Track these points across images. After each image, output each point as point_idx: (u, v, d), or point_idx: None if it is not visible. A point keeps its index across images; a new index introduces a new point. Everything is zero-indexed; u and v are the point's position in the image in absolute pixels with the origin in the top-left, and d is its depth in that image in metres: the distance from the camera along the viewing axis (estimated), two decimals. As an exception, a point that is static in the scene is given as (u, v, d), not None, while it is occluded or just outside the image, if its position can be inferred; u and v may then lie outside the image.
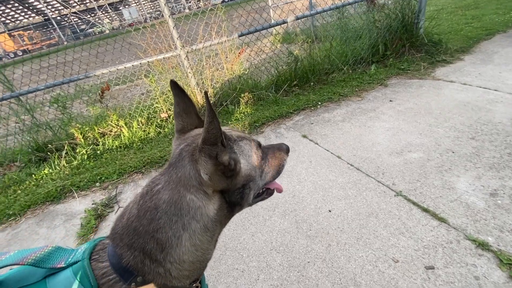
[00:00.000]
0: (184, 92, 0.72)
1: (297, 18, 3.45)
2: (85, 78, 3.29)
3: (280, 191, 0.85)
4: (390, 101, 2.84)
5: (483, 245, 1.29)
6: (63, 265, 0.60)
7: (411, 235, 1.41)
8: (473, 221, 1.41)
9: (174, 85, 0.71)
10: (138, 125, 3.38)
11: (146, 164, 2.57)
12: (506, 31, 4.14)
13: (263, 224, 1.67)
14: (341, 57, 3.77)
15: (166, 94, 3.53)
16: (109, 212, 2.05)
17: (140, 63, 3.20)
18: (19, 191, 2.59)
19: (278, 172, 0.79)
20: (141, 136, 3.22)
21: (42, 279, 0.59)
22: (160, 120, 3.46)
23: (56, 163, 2.93)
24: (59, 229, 2.00)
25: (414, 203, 1.59)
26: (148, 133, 3.28)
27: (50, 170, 2.83)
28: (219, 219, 0.65)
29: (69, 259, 0.61)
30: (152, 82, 3.46)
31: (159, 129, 3.32)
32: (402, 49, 3.75)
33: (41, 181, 2.69)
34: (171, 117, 3.47)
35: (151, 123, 3.41)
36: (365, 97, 3.05)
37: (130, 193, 2.24)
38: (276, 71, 3.66)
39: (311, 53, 3.68)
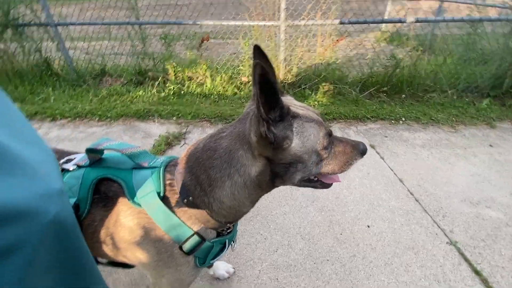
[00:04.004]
0: (267, 58, 0.69)
1: (417, 21, 3.07)
2: (193, 24, 3.64)
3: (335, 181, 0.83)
4: (490, 145, 2.41)
5: None
6: (146, 166, 0.77)
7: (447, 287, 1.28)
8: (533, 311, 1.20)
9: (258, 50, 0.69)
10: (221, 80, 3.65)
11: (216, 116, 2.82)
12: None
13: (297, 209, 1.72)
14: (451, 78, 3.27)
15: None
16: (176, 143, 2.38)
17: (243, 23, 3.36)
18: (118, 102, 3.16)
19: (341, 169, 0.76)
20: (219, 91, 3.49)
21: (130, 169, 0.77)
22: (240, 83, 3.66)
23: (149, 89, 3.43)
24: (137, 142, 2.42)
25: (466, 260, 1.41)
26: (226, 90, 3.52)
27: (143, 93, 3.34)
28: (259, 183, 0.70)
29: (151, 163, 0.78)
30: (246, 45, 3.62)
31: (236, 90, 3.54)
32: (537, 91, 3.03)
33: (135, 99, 3.22)
34: (250, 83, 3.63)
35: (231, 83, 3.64)
36: (460, 131, 2.65)
37: (196, 135, 2.53)
38: (369, 70, 3.42)
39: (416, 63, 3.29)
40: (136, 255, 0.75)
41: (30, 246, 0.43)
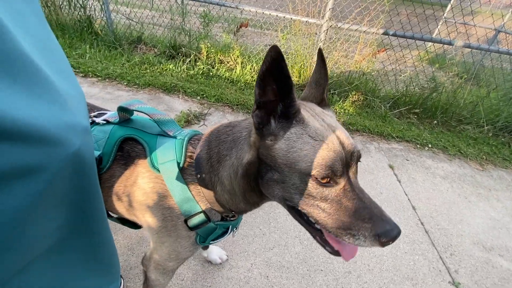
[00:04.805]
0: (324, 64, 0.71)
1: (467, 46, 2.88)
2: (234, 8, 3.60)
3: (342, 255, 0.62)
4: (518, 192, 2.26)
5: None
6: (171, 135, 0.78)
7: (440, 328, 1.23)
8: None
9: (320, 54, 0.71)
10: (250, 69, 3.62)
11: (239, 103, 2.81)
12: None
13: (302, 213, 1.70)
14: (491, 113, 3.07)
15: (287, 54, 3.60)
16: (195, 123, 2.39)
17: (285, 16, 3.30)
18: (148, 71, 3.22)
19: (336, 230, 0.56)
20: (247, 80, 3.46)
21: (155, 135, 0.78)
22: (269, 75, 3.61)
23: (179, 64, 3.46)
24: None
25: (466, 305, 1.35)
26: (254, 80, 3.49)
27: (173, 67, 3.38)
28: (246, 173, 0.64)
29: (176, 133, 0.79)
30: (283, 38, 3.56)
31: (264, 82, 3.49)
32: None
33: (164, 72, 3.26)
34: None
35: (261, 73, 3.60)
36: (488, 171, 2.49)
37: (216, 118, 2.54)
38: (404, 88, 3.27)
39: (456, 90, 3.11)
40: (145, 217, 0.77)
41: (49, 173, 0.42)
